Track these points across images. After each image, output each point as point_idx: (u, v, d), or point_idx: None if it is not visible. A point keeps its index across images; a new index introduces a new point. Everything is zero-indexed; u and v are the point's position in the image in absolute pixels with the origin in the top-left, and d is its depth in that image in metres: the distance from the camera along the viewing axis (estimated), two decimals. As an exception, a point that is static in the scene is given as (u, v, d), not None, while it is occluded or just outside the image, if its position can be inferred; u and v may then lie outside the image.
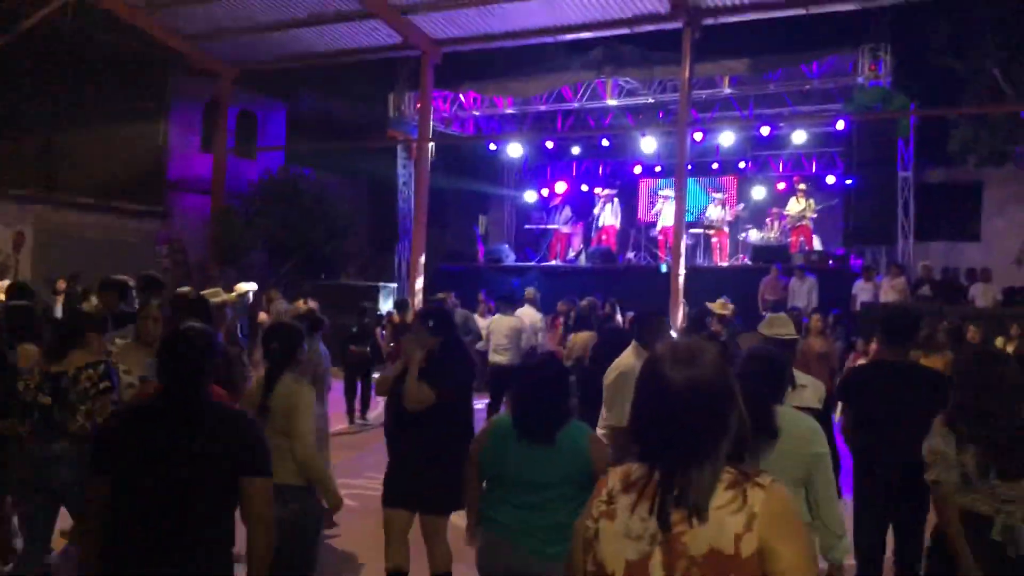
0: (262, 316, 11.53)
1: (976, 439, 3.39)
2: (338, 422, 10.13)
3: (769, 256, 15.84)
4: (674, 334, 7.98)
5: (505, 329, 10.05)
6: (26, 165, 18.36)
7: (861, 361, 9.61)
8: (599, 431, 4.72)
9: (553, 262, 19.11)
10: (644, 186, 21.68)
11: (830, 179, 19.05)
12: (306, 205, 18.94)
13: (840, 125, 16.39)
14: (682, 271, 14.34)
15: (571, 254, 19.53)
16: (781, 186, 19.66)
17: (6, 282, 8.35)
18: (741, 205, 18.78)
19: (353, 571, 5.67)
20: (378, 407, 9.94)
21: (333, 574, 5.52)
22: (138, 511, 2.68)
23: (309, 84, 21.93)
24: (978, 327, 9.52)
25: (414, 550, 4.57)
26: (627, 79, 17.77)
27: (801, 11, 13.67)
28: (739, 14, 14.13)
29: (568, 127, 20.77)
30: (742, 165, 20.34)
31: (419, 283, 16.74)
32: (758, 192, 19.77)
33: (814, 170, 19.82)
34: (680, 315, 13.57)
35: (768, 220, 18.06)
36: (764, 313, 13.83)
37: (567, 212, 20.32)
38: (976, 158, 16.23)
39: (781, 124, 17.97)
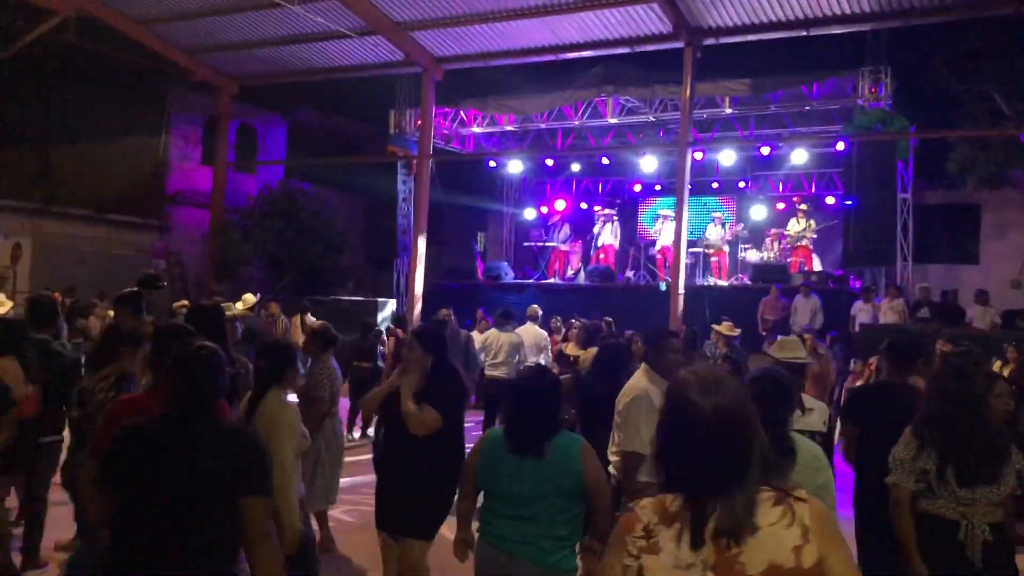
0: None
1: (935, 445, 3.62)
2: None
3: (769, 276, 15.83)
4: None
5: (502, 344, 10.01)
6: (25, 177, 18.34)
7: (859, 383, 9.56)
8: (611, 455, 4.64)
9: (552, 280, 19.08)
10: (643, 205, 21.69)
11: (830, 200, 19.06)
12: (305, 220, 18.92)
13: (840, 146, 16.44)
14: (681, 290, 14.31)
15: (570, 272, 19.50)
16: (781, 206, 19.66)
17: (2, 295, 8.29)
18: (741, 225, 18.79)
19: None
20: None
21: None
22: (142, 526, 2.71)
23: (310, 99, 21.97)
24: (946, 341, 9.54)
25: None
26: (628, 98, 17.82)
27: (802, 32, 13.73)
28: (740, 35, 14.18)
29: (568, 145, 20.79)
30: (742, 185, 20.35)
31: (417, 299, 16.70)
32: (758, 212, 19.78)
33: (814, 191, 19.83)
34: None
35: (768, 240, 18.06)
36: (763, 333, 13.84)
37: (566, 230, 20.31)
38: (975, 180, 16.25)
39: (781, 144, 18.00)
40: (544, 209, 22.64)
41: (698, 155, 17.31)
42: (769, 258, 17.60)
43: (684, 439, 1.85)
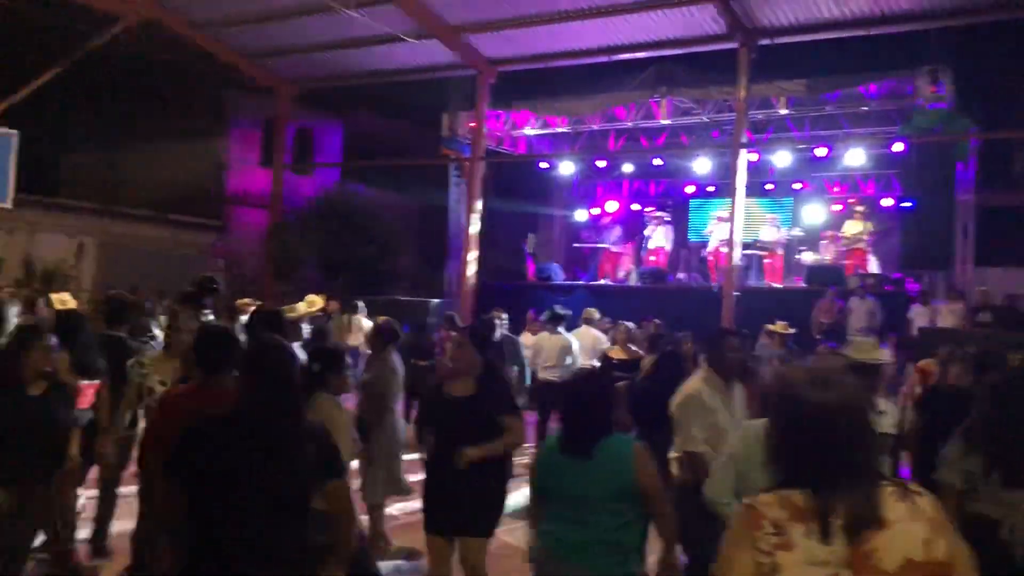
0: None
1: (985, 448, 3.71)
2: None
3: (824, 278, 15.59)
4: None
5: (553, 348, 10.03)
6: (90, 179, 18.92)
7: (918, 388, 9.39)
8: (672, 456, 4.64)
9: (602, 281, 19.05)
10: (696, 206, 21.54)
11: (887, 201, 18.72)
12: (359, 221, 19.17)
13: (898, 147, 16.14)
14: (735, 292, 14.20)
15: (620, 274, 19.44)
16: (837, 207, 19.36)
17: (66, 294, 8.57)
18: (795, 227, 18.54)
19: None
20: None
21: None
22: (222, 519, 2.78)
23: (364, 102, 22.25)
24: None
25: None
26: (681, 99, 17.70)
27: (861, 32, 13.50)
28: (796, 35, 14.01)
29: (620, 146, 20.72)
30: (797, 186, 20.06)
31: (468, 299, 16.83)
32: (813, 213, 19.50)
33: (871, 192, 19.50)
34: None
35: (823, 242, 17.80)
36: (817, 336, 13.65)
37: (617, 231, 20.24)
38: (1040, 182, 15.83)
39: (837, 145, 17.71)
40: (595, 210, 22.60)
41: (752, 156, 17.07)
42: (825, 260, 17.34)
43: (805, 435, 1.87)
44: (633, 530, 3.44)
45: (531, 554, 3.62)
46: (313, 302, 7.94)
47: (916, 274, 16.00)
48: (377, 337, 6.48)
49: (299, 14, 15.56)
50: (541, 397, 10.00)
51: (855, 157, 17.65)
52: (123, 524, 5.67)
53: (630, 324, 10.26)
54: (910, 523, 1.80)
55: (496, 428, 4.40)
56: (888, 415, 4.43)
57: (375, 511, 6.16)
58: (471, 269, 17.00)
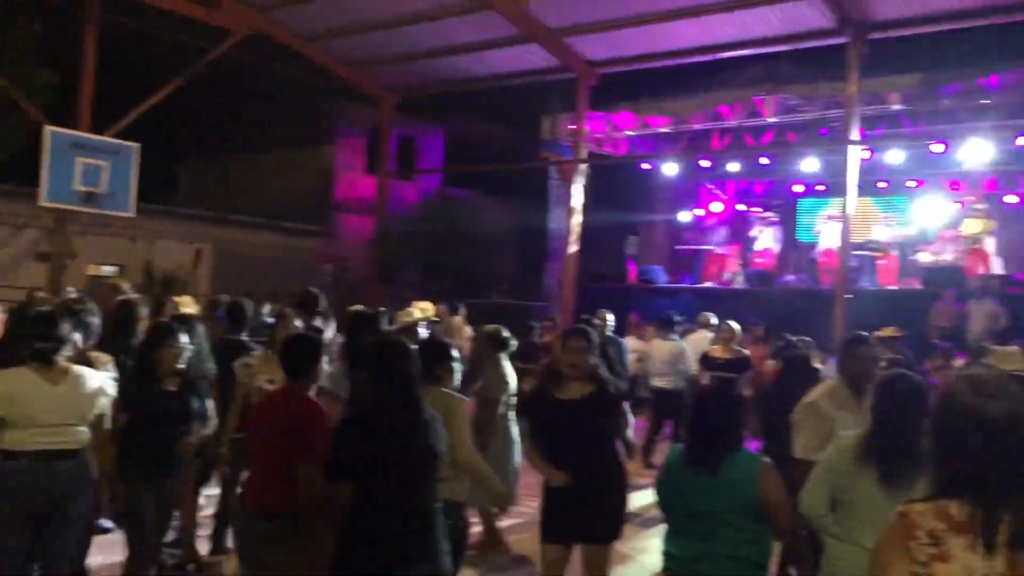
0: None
1: None
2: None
3: (942, 280, 14.89)
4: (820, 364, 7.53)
5: (664, 354, 9.91)
6: (206, 187, 19.77)
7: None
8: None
9: (707, 284, 18.71)
10: (805, 206, 20.92)
11: (1012, 199, 17.77)
12: (460, 226, 19.40)
13: (1022, 141, 15.31)
14: (846, 295, 13.72)
15: (726, 276, 19.05)
16: (956, 206, 18.48)
17: (188, 298, 8.90)
18: (911, 225, 17.77)
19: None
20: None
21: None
22: (380, 506, 3.19)
23: (465, 108, 22.51)
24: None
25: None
26: (787, 96, 17.22)
27: (982, 22, 12.84)
28: (910, 27, 13.44)
29: (725, 145, 20.29)
30: (912, 184, 19.25)
31: (569, 302, 16.80)
32: (930, 212, 18.67)
33: (993, 189, 18.53)
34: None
35: (941, 242, 17.01)
36: (935, 342, 13.05)
37: (722, 233, 19.84)
38: None
39: (955, 141, 16.89)
40: (699, 211, 22.20)
41: (865, 154, 16.43)
42: (943, 261, 16.56)
43: (970, 445, 1.83)
44: (759, 547, 3.41)
45: (663, 565, 3.60)
46: (425, 309, 8.06)
47: (1044, 275, 15.13)
48: (488, 344, 6.54)
49: (401, 24, 15.84)
50: (655, 404, 9.92)
51: (976, 153, 16.75)
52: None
53: (735, 324, 10.05)
54: None
55: (609, 433, 4.39)
56: None
57: (488, 515, 6.19)
58: (571, 272, 16.95)
